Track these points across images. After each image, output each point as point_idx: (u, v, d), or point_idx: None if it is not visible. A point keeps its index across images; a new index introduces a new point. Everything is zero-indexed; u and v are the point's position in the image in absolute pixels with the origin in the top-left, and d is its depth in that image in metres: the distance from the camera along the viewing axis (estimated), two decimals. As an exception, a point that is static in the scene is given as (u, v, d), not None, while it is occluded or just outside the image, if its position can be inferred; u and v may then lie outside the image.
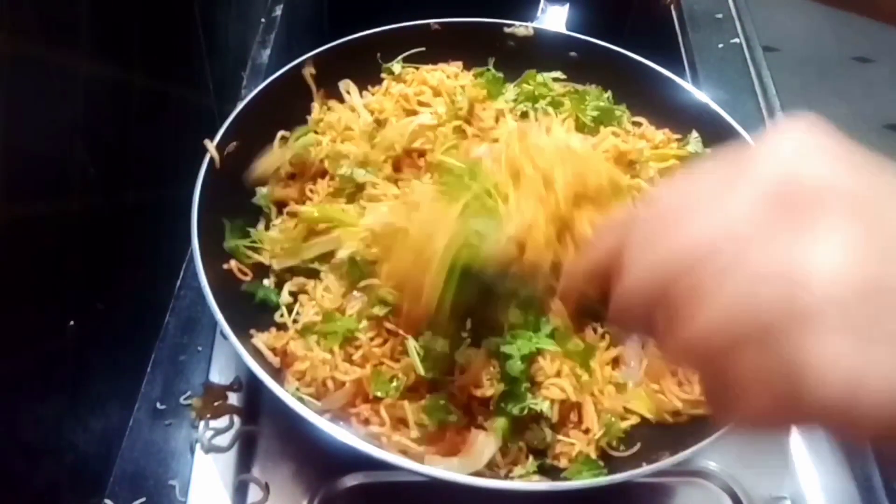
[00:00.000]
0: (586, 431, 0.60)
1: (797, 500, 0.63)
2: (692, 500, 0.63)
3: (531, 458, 0.59)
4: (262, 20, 1.06)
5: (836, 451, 0.65)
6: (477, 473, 0.55)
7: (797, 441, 0.66)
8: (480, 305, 0.55)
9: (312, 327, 0.62)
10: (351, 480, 0.61)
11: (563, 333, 0.61)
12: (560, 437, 0.59)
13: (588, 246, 0.39)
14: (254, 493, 0.61)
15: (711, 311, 0.30)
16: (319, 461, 0.61)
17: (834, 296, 0.27)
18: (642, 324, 0.34)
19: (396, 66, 0.83)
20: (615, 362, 0.64)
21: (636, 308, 0.34)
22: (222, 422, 0.64)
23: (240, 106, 0.72)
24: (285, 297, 0.67)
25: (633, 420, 0.61)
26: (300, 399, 0.56)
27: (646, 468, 0.52)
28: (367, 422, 0.58)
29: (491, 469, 0.56)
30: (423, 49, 0.83)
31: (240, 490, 0.61)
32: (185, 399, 0.66)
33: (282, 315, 0.65)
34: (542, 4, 1.19)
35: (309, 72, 0.78)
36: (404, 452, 0.56)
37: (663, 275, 0.32)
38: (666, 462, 0.52)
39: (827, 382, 0.27)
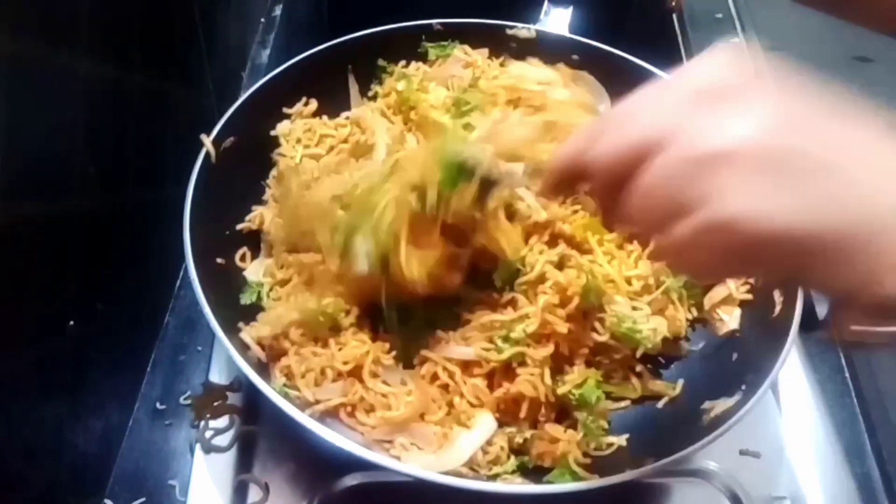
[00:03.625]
0: (566, 429, 0.60)
1: (797, 500, 0.62)
2: (692, 500, 0.63)
3: (512, 457, 0.59)
4: (262, 20, 1.06)
5: (836, 451, 0.65)
6: (457, 472, 0.55)
7: (797, 441, 0.66)
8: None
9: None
10: (351, 480, 0.61)
11: None
12: (536, 434, 0.59)
13: (564, 143, 0.45)
14: (254, 493, 0.61)
15: (648, 180, 0.37)
16: (319, 461, 0.61)
17: (745, 149, 0.35)
18: (607, 194, 0.41)
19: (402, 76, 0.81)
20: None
21: (603, 177, 0.40)
22: (222, 422, 0.64)
23: (238, 101, 0.72)
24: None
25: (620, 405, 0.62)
26: (285, 395, 0.57)
27: (629, 473, 0.52)
28: (352, 412, 0.59)
29: (471, 468, 0.57)
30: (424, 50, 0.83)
31: (240, 490, 0.61)
32: (184, 399, 0.66)
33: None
34: (545, 6, 1.18)
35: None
36: (390, 443, 0.57)
37: (619, 156, 0.39)
38: (649, 467, 0.52)
39: (751, 228, 0.34)
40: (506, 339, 0.59)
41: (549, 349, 0.60)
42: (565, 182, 0.46)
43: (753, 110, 0.36)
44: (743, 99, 0.36)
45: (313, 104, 0.80)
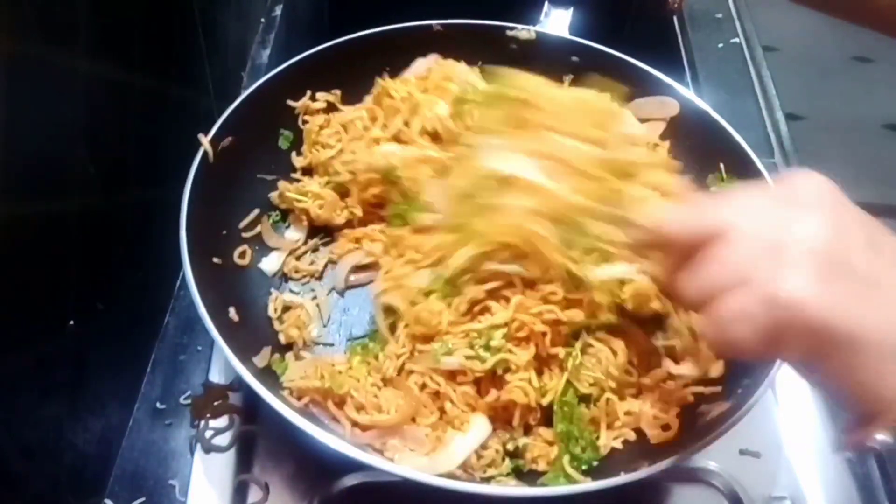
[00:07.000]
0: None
1: (797, 500, 0.62)
2: (692, 500, 0.63)
3: (507, 460, 0.59)
4: (262, 20, 1.06)
5: (836, 451, 0.65)
6: (451, 475, 0.55)
7: (797, 441, 0.66)
8: None
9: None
10: (351, 480, 0.61)
11: None
12: (530, 440, 0.59)
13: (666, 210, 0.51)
14: (254, 493, 0.61)
15: (715, 253, 0.43)
16: (319, 461, 0.60)
17: (807, 245, 0.40)
18: (675, 262, 0.47)
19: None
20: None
21: (678, 246, 0.46)
22: (222, 421, 0.64)
23: (237, 101, 0.72)
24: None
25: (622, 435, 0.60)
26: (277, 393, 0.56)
27: (623, 477, 0.52)
28: (340, 405, 0.59)
29: (465, 470, 0.56)
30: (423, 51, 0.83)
31: (240, 490, 0.61)
32: (184, 399, 0.66)
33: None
34: (545, 8, 1.19)
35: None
36: (383, 444, 0.57)
37: (696, 231, 0.45)
38: (643, 471, 0.52)
39: (795, 308, 0.39)
40: (486, 347, 0.58)
41: (530, 351, 0.59)
42: (651, 245, 0.52)
43: (819, 220, 0.41)
44: (812, 209, 0.42)
45: (319, 102, 0.80)
